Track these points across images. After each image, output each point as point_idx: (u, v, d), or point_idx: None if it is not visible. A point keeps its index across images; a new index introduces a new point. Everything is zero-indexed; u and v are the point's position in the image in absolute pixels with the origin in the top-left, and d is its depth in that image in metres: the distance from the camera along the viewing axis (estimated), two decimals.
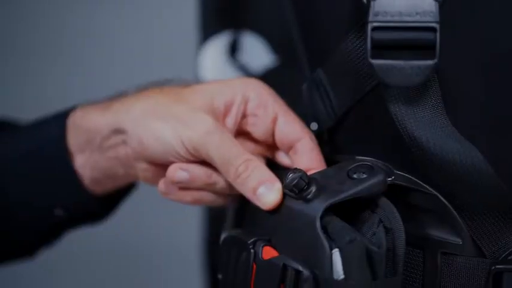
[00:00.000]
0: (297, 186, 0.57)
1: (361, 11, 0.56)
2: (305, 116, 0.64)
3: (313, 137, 0.63)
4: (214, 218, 0.82)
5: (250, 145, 0.64)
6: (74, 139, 0.66)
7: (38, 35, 1.39)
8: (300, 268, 0.54)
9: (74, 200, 0.68)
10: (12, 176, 0.68)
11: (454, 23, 0.57)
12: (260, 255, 0.58)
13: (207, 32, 0.83)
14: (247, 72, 0.80)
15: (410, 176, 0.58)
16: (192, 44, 0.85)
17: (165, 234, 1.46)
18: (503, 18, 0.57)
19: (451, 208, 0.57)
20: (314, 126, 0.64)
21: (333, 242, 0.54)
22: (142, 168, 0.64)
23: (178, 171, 0.61)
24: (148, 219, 1.45)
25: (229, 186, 0.61)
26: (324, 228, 0.55)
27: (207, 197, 0.62)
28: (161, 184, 0.62)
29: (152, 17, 1.37)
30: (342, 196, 0.56)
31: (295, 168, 0.58)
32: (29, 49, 1.39)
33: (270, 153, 0.65)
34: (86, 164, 0.67)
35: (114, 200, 0.70)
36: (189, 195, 0.62)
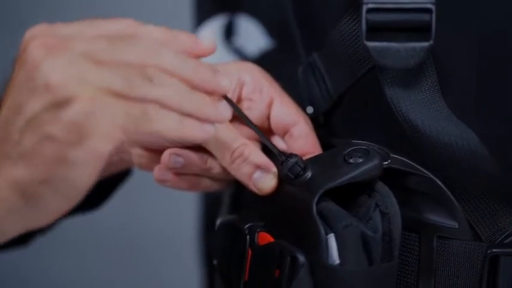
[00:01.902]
0: (292, 171, 0.56)
1: None
2: (301, 99, 0.64)
3: (309, 121, 0.63)
4: (210, 204, 0.82)
5: (246, 130, 0.63)
6: None
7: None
8: (296, 254, 0.54)
9: None
10: None
11: (449, 3, 0.56)
12: (256, 241, 0.58)
13: (202, 15, 0.83)
14: (242, 56, 0.80)
15: (406, 160, 0.58)
16: (187, 28, 0.85)
17: (161, 221, 1.46)
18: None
19: (447, 191, 0.57)
20: (310, 110, 0.64)
21: (328, 227, 0.54)
22: (137, 155, 0.63)
23: (173, 157, 0.61)
24: (144, 206, 1.45)
25: (225, 171, 0.61)
26: (320, 213, 0.55)
27: (203, 182, 0.62)
28: (156, 171, 0.61)
29: (147, 0, 1.36)
30: (338, 181, 0.55)
31: (291, 153, 0.57)
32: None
33: None
34: None
35: (108, 188, 0.70)
36: (184, 182, 0.61)
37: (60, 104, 0.48)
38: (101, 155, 0.48)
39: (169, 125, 0.50)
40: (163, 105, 0.50)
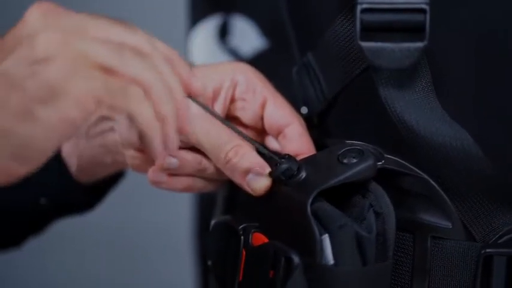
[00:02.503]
0: (286, 172, 0.56)
1: None
2: (295, 100, 0.64)
3: (303, 122, 0.63)
4: (204, 204, 0.81)
5: (240, 130, 0.63)
6: None
7: None
8: (290, 254, 0.54)
9: (61, 188, 0.67)
10: None
11: (444, 4, 0.56)
12: (250, 242, 0.58)
13: (197, 15, 0.83)
14: (237, 56, 0.80)
15: (400, 160, 0.58)
16: (181, 28, 0.85)
17: (156, 222, 1.46)
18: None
19: (441, 192, 0.57)
20: (304, 110, 0.64)
21: (322, 228, 0.54)
22: (130, 156, 0.63)
23: (167, 158, 0.61)
24: (139, 207, 1.45)
25: (219, 172, 0.61)
26: (314, 213, 0.55)
27: (198, 183, 0.62)
28: (150, 173, 0.61)
29: (141, 0, 1.36)
30: (333, 182, 0.55)
31: (285, 154, 0.57)
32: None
33: (259, 138, 0.64)
34: (73, 152, 0.66)
35: (102, 189, 0.70)
36: (179, 183, 0.61)
37: (39, 61, 0.47)
38: (69, 120, 0.47)
39: (143, 112, 0.49)
40: (146, 91, 0.49)
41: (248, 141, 0.57)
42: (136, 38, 0.49)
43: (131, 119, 0.49)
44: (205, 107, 0.56)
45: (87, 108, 0.48)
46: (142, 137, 0.50)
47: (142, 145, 0.51)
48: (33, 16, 0.49)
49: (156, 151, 0.50)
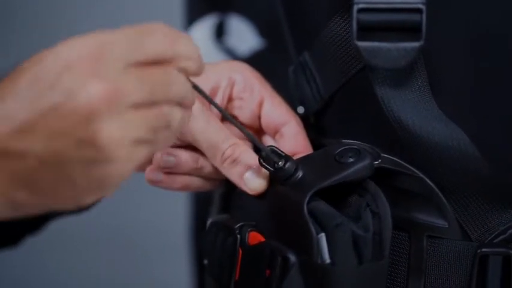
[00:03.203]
0: (284, 171, 0.56)
1: None
2: (291, 99, 0.64)
3: (299, 121, 0.63)
4: (201, 203, 0.81)
5: (237, 129, 0.63)
6: None
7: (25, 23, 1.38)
8: (287, 254, 0.54)
9: None
10: None
11: (440, 4, 0.56)
12: (246, 241, 0.58)
13: (193, 15, 0.83)
14: (233, 56, 0.80)
15: (397, 159, 0.58)
16: (178, 27, 0.85)
17: (152, 221, 1.46)
18: None
19: (438, 191, 0.57)
20: (300, 109, 0.64)
21: (319, 227, 0.54)
22: None
23: (164, 156, 0.61)
24: (135, 206, 1.45)
25: (216, 170, 0.61)
26: (311, 212, 0.55)
27: (195, 182, 0.62)
28: (148, 172, 0.61)
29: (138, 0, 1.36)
30: (329, 181, 0.55)
31: (282, 153, 0.57)
32: (13, 40, 1.39)
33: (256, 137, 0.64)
34: None
35: None
36: (177, 182, 0.61)
37: (98, 161, 0.47)
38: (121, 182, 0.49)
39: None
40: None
41: (250, 138, 0.57)
42: (155, 47, 0.49)
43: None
44: (222, 111, 0.56)
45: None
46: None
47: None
48: (74, 63, 0.47)
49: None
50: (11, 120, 0.46)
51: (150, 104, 0.48)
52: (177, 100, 0.50)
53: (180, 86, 0.50)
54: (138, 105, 0.48)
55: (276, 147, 0.57)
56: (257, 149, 0.59)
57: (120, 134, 0.47)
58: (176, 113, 0.50)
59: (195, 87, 0.52)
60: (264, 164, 0.57)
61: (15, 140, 0.47)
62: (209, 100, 0.55)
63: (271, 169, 0.57)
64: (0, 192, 0.47)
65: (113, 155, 0.47)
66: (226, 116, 0.56)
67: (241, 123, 0.63)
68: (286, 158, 0.57)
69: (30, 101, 0.46)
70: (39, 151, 0.47)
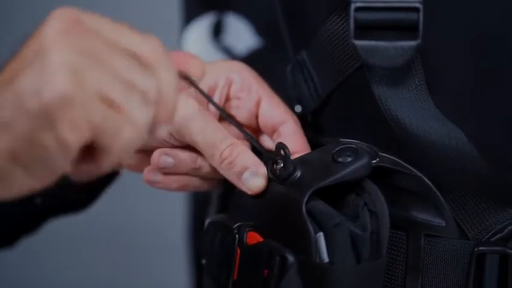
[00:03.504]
0: (282, 171, 0.56)
1: None
2: (289, 98, 0.64)
3: (297, 120, 0.63)
4: (199, 203, 0.81)
5: (234, 129, 0.63)
6: None
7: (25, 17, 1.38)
8: (285, 253, 0.54)
9: (55, 188, 0.67)
10: None
11: (437, 2, 0.56)
12: (244, 240, 0.58)
13: (191, 13, 0.83)
14: (231, 55, 0.80)
15: (394, 158, 0.58)
16: (175, 26, 0.85)
17: (150, 221, 1.46)
18: None
19: (435, 190, 0.57)
20: (298, 108, 0.64)
21: (317, 226, 0.54)
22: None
23: (162, 157, 0.61)
24: (133, 206, 1.45)
25: (215, 170, 0.61)
26: (309, 212, 0.55)
27: (193, 182, 0.62)
28: (146, 173, 0.61)
29: None
30: (328, 181, 0.56)
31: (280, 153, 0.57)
32: (19, 30, 1.39)
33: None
34: None
35: (96, 188, 0.70)
36: (175, 182, 0.61)
37: (46, 85, 0.46)
38: (67, 144, 0.47)
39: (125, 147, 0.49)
40: (138, 128, 0.48)
41: (247, 137, 0.57)
42: (148, 49, 0.48)
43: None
44: (221, 109, 0.56)
45: (82, 135, 0.47)
46: None
47: None
48: (53, 30, 0.47)
49: None
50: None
51: (116, 43, 0.47)
52: (148, 59, 0.48)
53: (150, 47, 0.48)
54: (106, 40, 0.47)
55: (285, 145, 0.57)
56: (256, 149, 0.59)
57: (72, 64, 0.46)
58: (149, 81, 0.48)
59: (195, 87, 0.52)
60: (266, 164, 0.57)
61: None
62: (208, 99, 0.55)
63: (271, 169, 0.57)
64: None
65: (60, 80, 0.46)
66: (225, 115, 0.56)
67: (239, 123, 0.63)
68: (285, 158, 0.57)
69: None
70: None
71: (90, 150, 0.48)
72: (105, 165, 0.48)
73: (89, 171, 0.49)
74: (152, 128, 0.49)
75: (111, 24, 0.48)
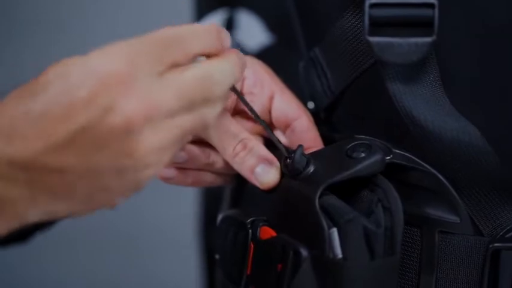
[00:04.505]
0: (296, 166, 0.56)
1: None
2: (302, 95, 0.64)
3: (310, 116, 0.63)
4: (210, 198, 0.81)
5: (248, 124, 0.63)
6: None
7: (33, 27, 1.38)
8: (298, 248, 0.54)
9: None
10: None
11: None
12: (258, 235, 0.58)
13: (202, 10, 0.83)
14: (243, 51, 0.80)
15: (408, 154, 0.58)
16: (187, 22, 0.85)
17: (161, 217, 1.46)
18: None
19: (449, 186, 0.57)
20: (311, 105, 0.64)
21: (331, 222, 0.54)
22: None
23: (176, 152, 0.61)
24: (144, 202, 1.45)
25: (228, 165, 0.61)
26: (322, 207, 0.55)
27: (207, 177, 0.62)
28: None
29: None
30: (341, 176, 0.55)
31: (294, 148, 0.57)
32: (24, 40, 1.39)
33: (266, 132, 0.64)
34: None
35: None
36: (189, 177, 0.61)
37: (135, 170, 0.48)
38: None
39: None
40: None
41: (268, 131, 0.58)
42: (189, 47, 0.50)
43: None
44: (245, 101, 0.57)
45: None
46: None
47: None
48: (108, 81, 0.47)
49: None
50: (47, 137, 0.47)
51: (187, 109, 0.49)
52: (215, 100, 0.50)
53: (220, 87, 0.50)
54: (175, 112, 0.49)
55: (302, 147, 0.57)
56: (269, 143, 0.59)
57: (158, 143, 0.48)
58: (211, 112, 0.51)
59: (235, 91, 0.53)
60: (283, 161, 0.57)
61: (53, 156, 0.47)
62: (244, 101, 0.56)
63: (284, 163, 0.57)
64: (38, 205, 0.48)
65: (150, 162, 0.48)
66: (264, 125, 0.57)
67: (252, 118, 0.63)
68: (298, 152, 0.57)
69: (65, 117, 0.47)
70: (78, 166, 0.47)
71: None
72: None
73: None
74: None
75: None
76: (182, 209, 1.15)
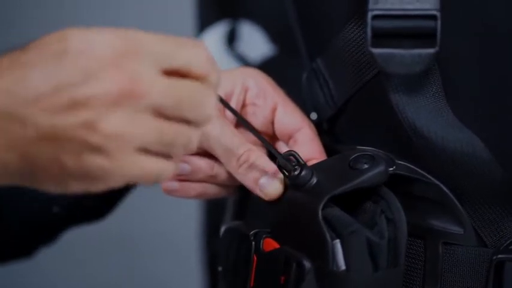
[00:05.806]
0: (300, 177, 0.56)
1: None
2: (304, 105, 0.64)
3: (313, 127, 0.63)
4: (212, 209, 0.81)
5: (251, 135, 0.63)
6: None
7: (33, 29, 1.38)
8: (302, 260, 0.54)
9: (73, 197, 0.67)
10: None
11: (455, 10, 0.56)
12: (261, 247, 0.58)
13: (205, 21, 0.83)
14: (245, 62, 0.80)
15: (411, 166, 0.58)
16: (189, 34, 0.85)
17: (164, 228, 1.46)
18: (501, 3, 0.56)
19: (453, 197, 0.57)
20: (314, 116, 0.64)
21: (334, 233, 0.54)
22: None
23: (180, 164, 0.61)
24: (147, 213, 1.45)
25: (231, 177, 0.61)
26: (325, 219, 0.55)
27: (210, 189, 0.62)
28: (163, 182, 0.61)
29: (149, 6, 1.36)
30: (344, 187, 0.55)
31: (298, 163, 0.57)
32: (25, 36, 1.39)
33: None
34: None
35: (113, 198, 0.70)
36: (192, 190, 0.61)
37: (95, 151, 0.46)
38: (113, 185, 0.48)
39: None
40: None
41: (266, 145, 0.58)
42: (192, 58, 0.48)
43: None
44: (238, 115, 0.56)
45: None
46: None
47: None
48: (105, 53, 0.46)
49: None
50: (29, 90, 0.46)
51: (172, 116, 0.47)
52: (201, 122, 0.49)
53: (208, 109, 0.49)
54: (159, 113, 0.47)
55: (296, 153, 0.57)
56: (272, 155, 0.59)
57: (128, 132, 0.46)
58: (195, 134, 0.49)
59: (223, 102, 0.52)
60: (281, 169, 0.57)
61: (22, 106, 0.46)
62: (235, 113, 0.56)
63: (287, 175, 0.57)
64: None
65: (112, 150, 0.46)
66: (250, 128, 0.56)
67: (258, 131, 0.63)
68: (302, 164, 0.57)
69: (51, 75, 0.46)
70: (41, 123, 0.46)
71: None
72: None
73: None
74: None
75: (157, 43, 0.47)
76: (183, 212, 1.15)
